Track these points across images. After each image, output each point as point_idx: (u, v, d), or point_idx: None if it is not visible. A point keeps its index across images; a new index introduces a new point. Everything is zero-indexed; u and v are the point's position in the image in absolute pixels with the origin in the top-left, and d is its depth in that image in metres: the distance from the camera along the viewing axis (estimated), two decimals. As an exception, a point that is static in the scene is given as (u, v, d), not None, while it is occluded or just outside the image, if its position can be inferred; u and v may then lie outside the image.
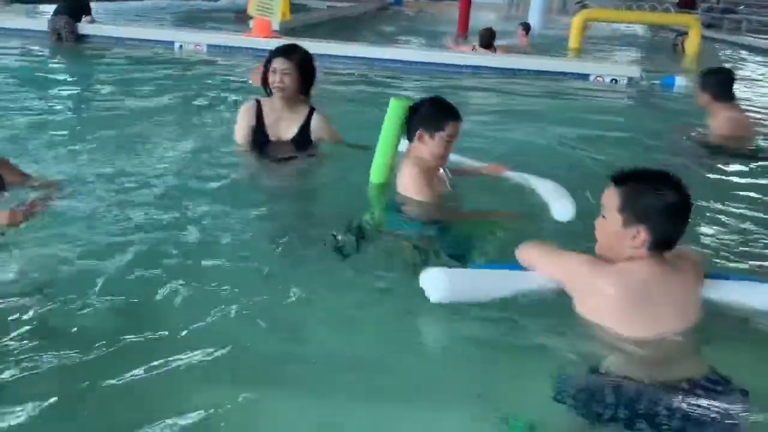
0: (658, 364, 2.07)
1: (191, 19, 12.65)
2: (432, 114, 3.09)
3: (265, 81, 3.82)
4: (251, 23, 9.67)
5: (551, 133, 5.24)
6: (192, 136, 4.60)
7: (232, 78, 7.55)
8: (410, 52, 9.53)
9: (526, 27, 11.50)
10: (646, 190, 2.14)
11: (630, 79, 8.21)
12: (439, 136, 3.05)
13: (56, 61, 8.33)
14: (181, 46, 9.10)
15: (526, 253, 2.42)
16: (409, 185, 3.10)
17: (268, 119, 3.87)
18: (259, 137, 3.86)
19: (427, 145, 3.08)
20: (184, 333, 2.26)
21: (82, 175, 3.66)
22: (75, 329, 2.27)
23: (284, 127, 3.87)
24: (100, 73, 7.61)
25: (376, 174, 3.29)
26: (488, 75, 8.38)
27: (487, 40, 9.43)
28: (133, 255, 2.76)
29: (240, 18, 11.37)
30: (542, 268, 2.35)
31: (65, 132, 4.66)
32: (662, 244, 2.17)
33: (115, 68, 7.75)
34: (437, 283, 2.33)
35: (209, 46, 9.05)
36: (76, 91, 6.57)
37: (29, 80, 6.65)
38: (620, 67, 8.79)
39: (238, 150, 3.93)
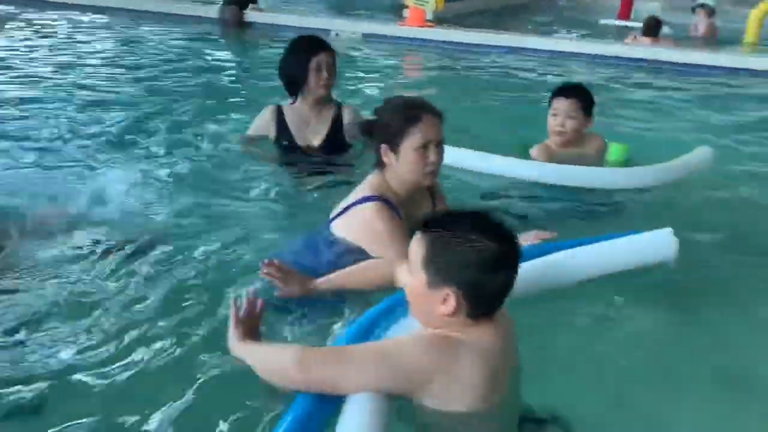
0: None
1: (347, 8, 12.94)
2: None
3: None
4: (405, 12, 9.75)
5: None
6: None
7: (384, 66, 7.65)
8: (563, 42, 9.15)
9: (709, 10, 9.98)
10: (455, 238, 1.62)
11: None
12: None
13: (219, 46, 8.82)
14: (337, 34, 9.32)
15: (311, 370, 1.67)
16: None
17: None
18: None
19: None
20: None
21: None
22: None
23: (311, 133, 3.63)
24: (257, 59, 7.98)
25: None
26: (651, 68, 7.90)
27: (651, 30, 8.87)
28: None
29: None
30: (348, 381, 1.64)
31: (215, 112, 4.91)
32: (479, 312, 1.66)
33: (272, 53, 8.09)
34: None
35: (364, 34, 9.21)
36: (232, 75, 6.90)
37: (193, 62, 7.10)
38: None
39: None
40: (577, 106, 3.48)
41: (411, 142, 2.32)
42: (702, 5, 10.14)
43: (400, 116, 2.35)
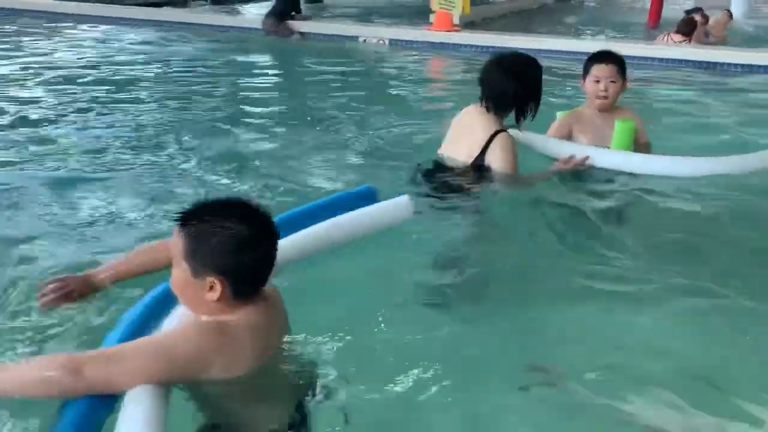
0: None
1: (375, 14, 13.01)
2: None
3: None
4: (432, 17, 9.79)
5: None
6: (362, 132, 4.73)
7: (411, 72, 7.70)
8: (590, 43, 9.12)
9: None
10: (210, 228, 1.71)
11: None
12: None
13: (252, 54, 8.96)
14: (364, 40, 9.40)
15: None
16: None
17: None
18: None
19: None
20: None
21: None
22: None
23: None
24: (289, 66, 8.10)
25: None
26: (681, 68, 7.86)
27: (685, 28, 8.80)
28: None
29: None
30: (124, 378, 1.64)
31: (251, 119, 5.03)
32: (245, 292, 1.77)
33: (302, 62, 8.20)
34: None
35: (391, 40, 9.28)
36: (263, 83, 7.00)
37: (228, 71, 7.23)
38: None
39: None
40: (617, 71, 3.59)
41: None
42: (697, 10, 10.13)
43: None
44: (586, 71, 3.64)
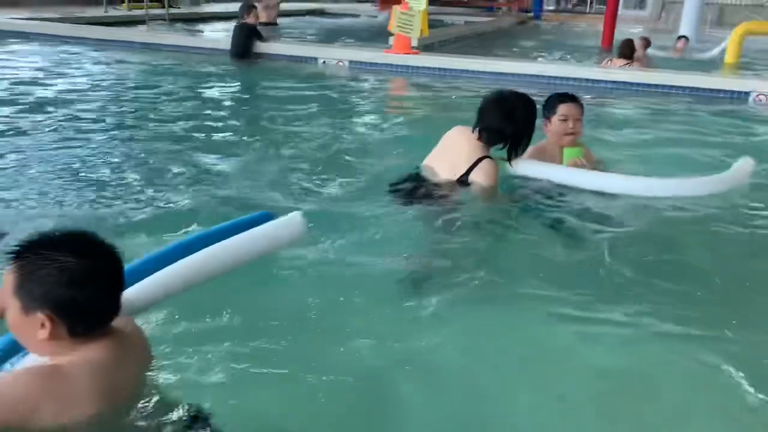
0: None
1: (335, 36, 13.12)
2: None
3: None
4: (391, 40, 9.91)
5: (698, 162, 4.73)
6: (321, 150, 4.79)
7: (369, 93, 7.79)
8: (551, 67, 9.36)
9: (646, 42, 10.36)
10: (39, 261, 1.59)
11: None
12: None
13: (210, 75, 8.95)
14: (324, 62, 9.48)
15: None
16: None
17: None
18: None
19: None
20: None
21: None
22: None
23: None
24: (247, 87, 8.12)
25: None
26: (629, 91, 8.12)
27: (626, 51, 9.09)
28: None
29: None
30: None
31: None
32: (82, 330, 1.63)
33: (261, 83, 8.23)
34: None
35: (351, 62, 9.37)
36: (220, 104, 7.02)
37: (196, 91, 7.22)
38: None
39: None
40: (581, 110, 3.81)
41: None
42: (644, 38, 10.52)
43: None
44: (552, 111, 3.80)
